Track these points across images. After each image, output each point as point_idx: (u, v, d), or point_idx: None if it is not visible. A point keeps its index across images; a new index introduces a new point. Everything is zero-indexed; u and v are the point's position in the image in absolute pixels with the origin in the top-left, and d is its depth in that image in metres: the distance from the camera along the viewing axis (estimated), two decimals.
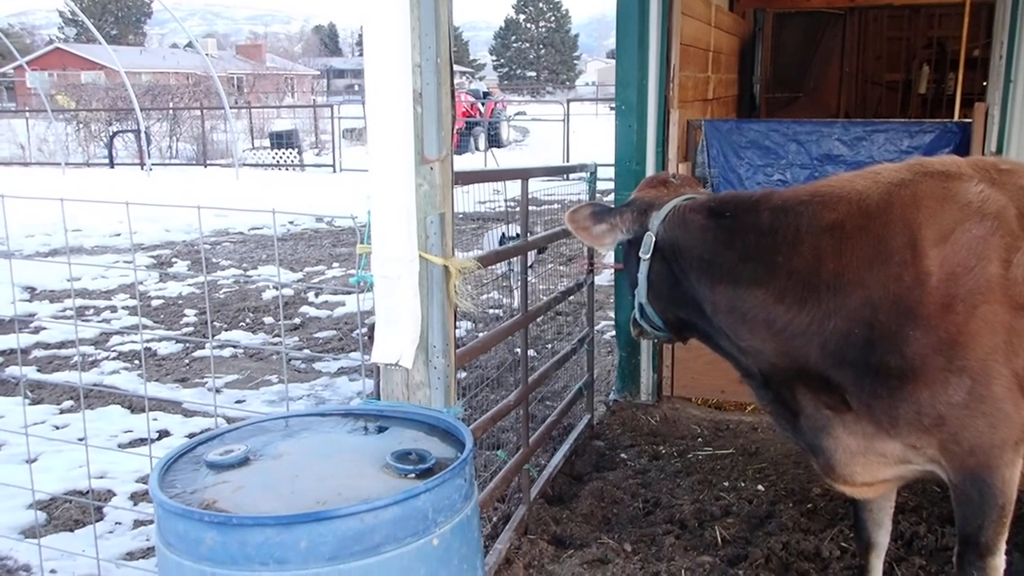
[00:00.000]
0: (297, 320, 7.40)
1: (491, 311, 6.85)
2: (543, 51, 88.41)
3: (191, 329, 7.16)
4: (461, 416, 2.28)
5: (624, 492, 3.80)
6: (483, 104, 26.09)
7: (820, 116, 8.67)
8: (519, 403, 3.49)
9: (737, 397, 4.82)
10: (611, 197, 5.03)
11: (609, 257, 4.64)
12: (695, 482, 3.90)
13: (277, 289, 8.17)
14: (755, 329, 2.28)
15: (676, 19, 4.75)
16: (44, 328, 6.95)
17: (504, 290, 6.20)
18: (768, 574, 3.13)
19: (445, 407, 2.30)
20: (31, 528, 3.60)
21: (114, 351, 6.44)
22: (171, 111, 25.29)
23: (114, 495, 4.01)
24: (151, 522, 3.51)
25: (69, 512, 3.80)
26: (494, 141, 24.10)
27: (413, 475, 1.79)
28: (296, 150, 22.51)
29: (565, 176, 7.49)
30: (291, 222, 13.06)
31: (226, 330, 7.07)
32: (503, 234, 6.00)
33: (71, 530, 3.68)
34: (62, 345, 6.62)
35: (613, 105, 4.99)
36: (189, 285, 8.68)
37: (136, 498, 3.99)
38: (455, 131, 2.46)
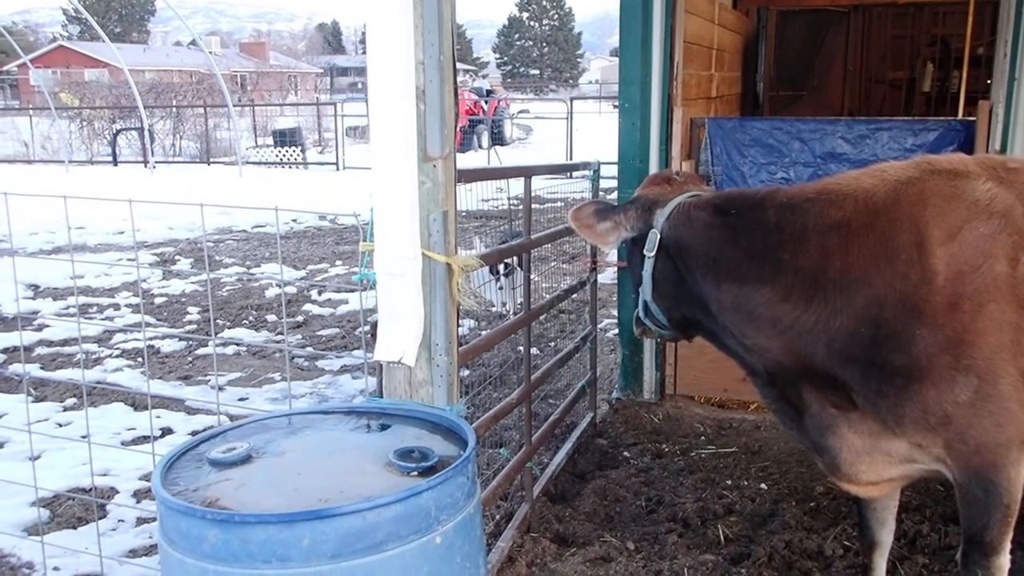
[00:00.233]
0: (300, 318, 7.40)
1: (493, 309, 6.84)
2: (546, 49, 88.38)
3: (194, 327, 7.17)
4: (464, 414, 2.28)
5: (627, 490, 3.80)
6: (486, 102, 26.06)
7: (824, 114, 8.66)
8: (522, 401, 3.49)
9: (740, 395, 4.82)
10: (614, 195, 5.02)
11: (612, 255, 4.64)
12: (698, 480, 3.90)
13: (280, 287, 8.17)
14: (761, 327, 2.28)
15: (680, 17, 4.74)
16: (47, 326, 6.96)
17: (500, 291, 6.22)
18: (771, 573, 3.12)
19: (448, 405, 2.30)
20: (34, 525, 3.61)
21: (117, 349, 6.45)
22: (175, 109, 25.32)
23: (117, 492, 4.02)
24: (154, 519, 3.51)
25: (72, 509, 3.81)
26: (497, 139, 24.10)
27: (416, 473, 1.79)
28: (299, 148, 22.51)
29: (568, 174, 7.49)
30: (294, 220, 13.07)
31: (229, 328, 7.08)
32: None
33: (74, 527, 3.68)
34: (65, 343, 6.62)
35: (616, 103, 4.98)
36: (192, 283, 8.69)
37: (139, 495, 4.00)
38: (458, 129, 2.45)
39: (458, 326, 2.44)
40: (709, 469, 4.03)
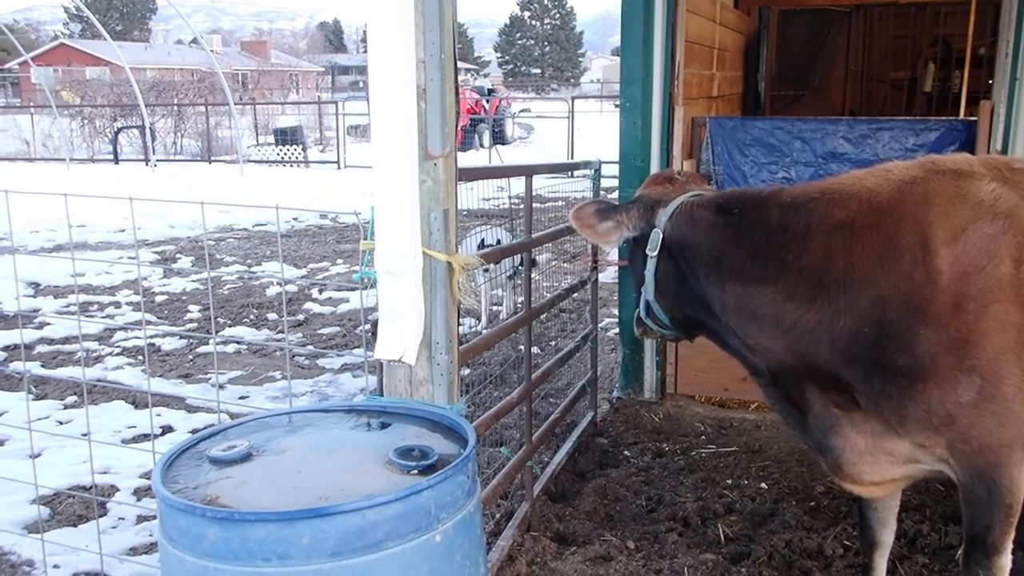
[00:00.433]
0: (301, 316, 7.40)
1: (495, 308, 6.84)
2: (548, 48, 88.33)
3: (195, 325, 7.17)
4: (464, 413, 2.28)
5: (627, 489, 3.80)
6: (488, 101, 26.06)
7: (825, 114, 8.65)
8: (522, 400, 3.49)
9: (741, 395, 4.82)
10: (615, 194, 5.01)
11: (613, 254, 4.63)
12: (698, 480, 3.89)
13: (281, 285, 8.17)
14: (764, 327, 2.27)
15: (681, 16, 4.73)
16: (48, 323, 6.96)
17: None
18: (771, 572, 3.12)
19: (448, 404, 2.29)
20: (34, 523, 3.61)
21: (118, 347, 6.45)
22: (176, 107, 25.31)
23: (117, 490, 4.02)
24: (154, 517, 3.51)
25: (72, 507, 3.81)
26: (498, 138, 24.10)
27: (416, 471, 1.79)
28: (300, 146, 22.51)
29: (569, 173, 7.48)
30: (295, 218, 13.07)
31: (230, 326, 7.08)
32: (482, 240, 5.98)
33: (74, 525, 3.69)
34: (66, 340, 6.63)
35: (618, 102, 4.98)
36: (193, 281, 8.69)
37: (139, 493, 4.00)
38: (459, 128, 2.45)
39: (458, 324, 2.44)
40: (709, 468, 4.03)
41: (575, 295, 4.64)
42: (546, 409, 4.62)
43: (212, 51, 30.09)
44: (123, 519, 3.75)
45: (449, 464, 1.79)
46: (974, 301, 2.07)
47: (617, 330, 5.59)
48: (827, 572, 3.12)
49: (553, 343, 6.21)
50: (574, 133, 20.13)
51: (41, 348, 6.47)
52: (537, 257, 5.61)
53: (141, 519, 3.73)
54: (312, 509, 1.61)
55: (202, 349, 6.42)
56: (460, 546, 1.79)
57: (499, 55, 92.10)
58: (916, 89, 9.67)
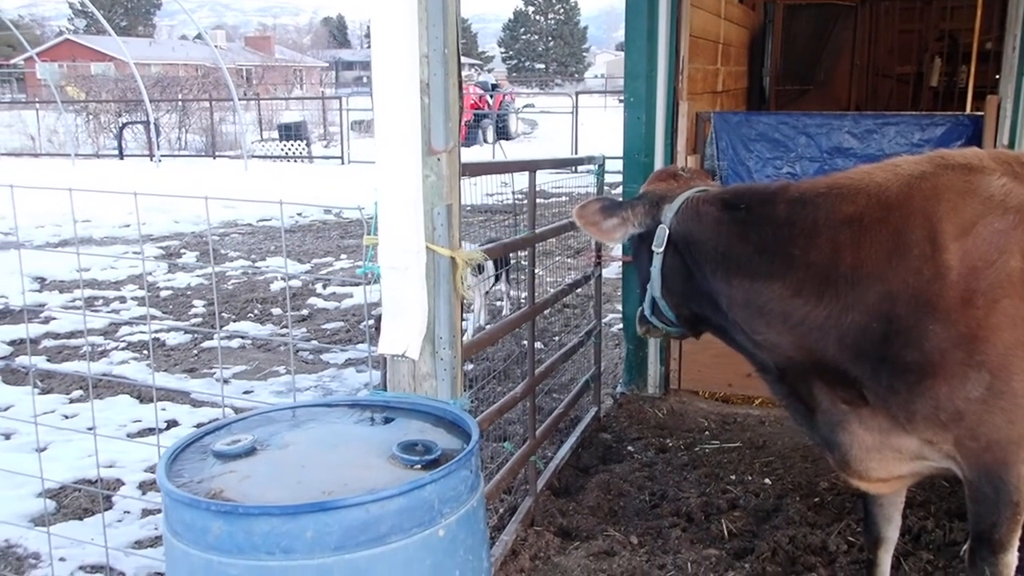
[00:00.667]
0: (305, 311, 7.41)
1: (497, 303, 6.85)
2: (552, 43, 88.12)
3: (199, 320, 7.18)
4: (467, 407, 2.28)
5: (631, 485, 3.80)
6: (491, 96, 26.03)
7: (830, 109, 8.61)
8: (526, 395, 3.49)
9: (744, 390, 4.81)
10: (619, 190, 5.00)
11: (617, 250, 4.62)
12: (702, 475, 3.89)
13: (285, 280, 8.18)
14: (771, 323, 2.26)
15: (685, 11, 4.72)
16: (54, 318, 6.98)
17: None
18: (774, 567, 3.12)
19: (452, 398, 2.29)
20: (40, 516, 3.63)
21: (123, 341, 6.46)
22: (180, 103, 25.32)
23: (123, 484, 4.03)
24: (159, 511, 3.52)
25: (78, 501, 3.83)
26: (502, 133, 24.08)
27: (419, 466, 1.79)
28: (305, 142, 22.51)
29: (573, 168, 7.45)
30: (299, 213, 13.08)
31: (234, 321, 7.09)
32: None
33: (80, 518, 3.70)
34: (71, 335, 6.64)
35: (622, 97, 4.96)
36: (198, 276, 8.71)
37: (144, 487, 4.01)
38: (463, 123, 2.44)
39: (462, 320, 2.44)
40: (713, 464, 4.02)
41: (579, 290, 4.64)
42: (549, 404, 4.62)
43: (216, 47, 30.12)
44: (128, 513, 3.76)
45: (452, 459, 1.78)
46: (984, 296, 2.06)
47: (621, 326, 5.59)
48: (831, 568, 3.12)
49: (557, 339, 6.21)
50: (578, 128, 20.07)
51: (47, 343, 6.49)
52: (513, 261, 5.59)
53: (146, 513, 3.75)
54: (316, 503, 1.62)
55: (207, 344, 6.43)
56: (463, 540, 1.79)
57: (503, 50, 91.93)
58: (922, 84, 9.63)
